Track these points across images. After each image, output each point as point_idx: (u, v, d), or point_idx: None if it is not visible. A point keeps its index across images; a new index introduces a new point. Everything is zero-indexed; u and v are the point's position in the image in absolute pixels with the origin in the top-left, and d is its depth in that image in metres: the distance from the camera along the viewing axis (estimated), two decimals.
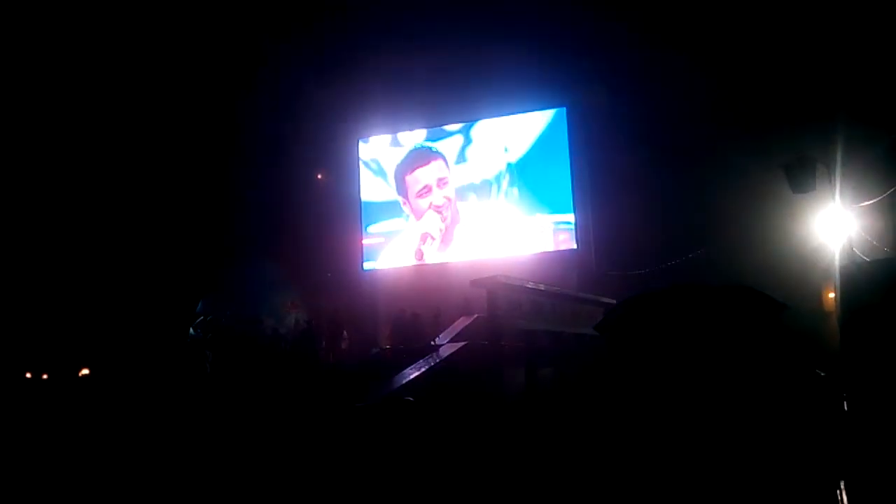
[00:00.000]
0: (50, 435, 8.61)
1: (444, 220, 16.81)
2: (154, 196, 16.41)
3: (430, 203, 16.97)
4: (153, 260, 15.87)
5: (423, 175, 17.14)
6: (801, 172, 8.52)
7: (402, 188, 17.34)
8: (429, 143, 17.30)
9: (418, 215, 17.04)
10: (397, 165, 17.39)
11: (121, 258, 15.85)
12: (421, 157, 17.28)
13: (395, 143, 18.01)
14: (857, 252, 9.07)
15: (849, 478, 5.40)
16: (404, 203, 17.24)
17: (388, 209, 17.70)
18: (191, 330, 14.91)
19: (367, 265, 17.77)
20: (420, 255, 16.83)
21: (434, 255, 16.87)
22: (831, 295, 10.32)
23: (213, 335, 14.41)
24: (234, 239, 16.67)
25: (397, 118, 17.71)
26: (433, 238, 16.78)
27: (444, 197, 16.91)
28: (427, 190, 17.03)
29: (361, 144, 18.24)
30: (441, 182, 17.00)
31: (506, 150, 16.88)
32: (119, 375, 11.76)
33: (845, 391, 6.21)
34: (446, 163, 17.10)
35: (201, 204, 16.80)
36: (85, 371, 12.69)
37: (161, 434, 8.41)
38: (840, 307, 6.67)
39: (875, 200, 9.23)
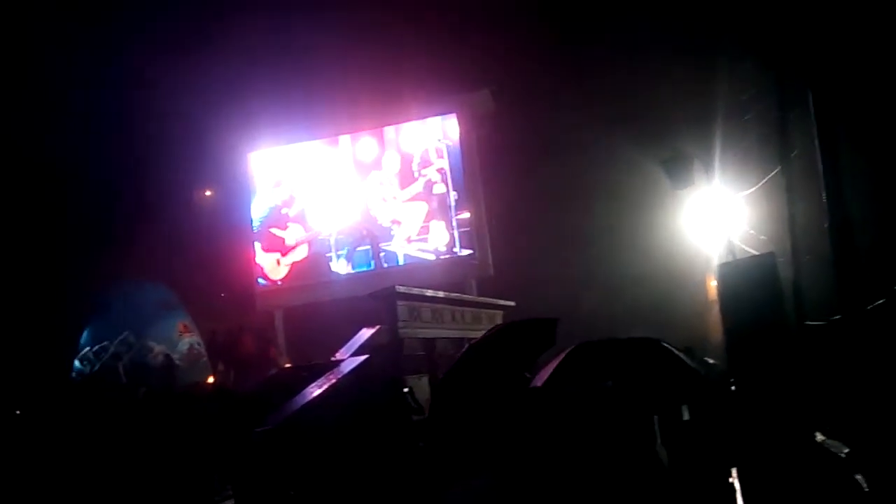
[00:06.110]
0: None
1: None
2: (25, 216, 15.21)
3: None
4: (24, 289, 14.72)
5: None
6: (679, 168, 8.82)
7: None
8: None
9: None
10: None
11: None
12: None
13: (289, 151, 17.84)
14: (738, 243, 9.44)
15: (741, 466, 5.60)
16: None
17: (285, 217, 17.50)
18: (76, 363, 14.07)
19: (262, 281, 17.39)
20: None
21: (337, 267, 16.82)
22: (713, 283, 10.69)
23: (101, 366, 13.65)
24: (119, 262, 15.78)
25: (289, 128, 17.53)
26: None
27: None
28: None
29: (252, 156, 17.86)
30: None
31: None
32: None
33: (733, 383, 6.44)
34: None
35: (80, 225, 15.83)
36: None
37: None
38: (720, 302, 6.91)
39: (751, 191, 9.55)
